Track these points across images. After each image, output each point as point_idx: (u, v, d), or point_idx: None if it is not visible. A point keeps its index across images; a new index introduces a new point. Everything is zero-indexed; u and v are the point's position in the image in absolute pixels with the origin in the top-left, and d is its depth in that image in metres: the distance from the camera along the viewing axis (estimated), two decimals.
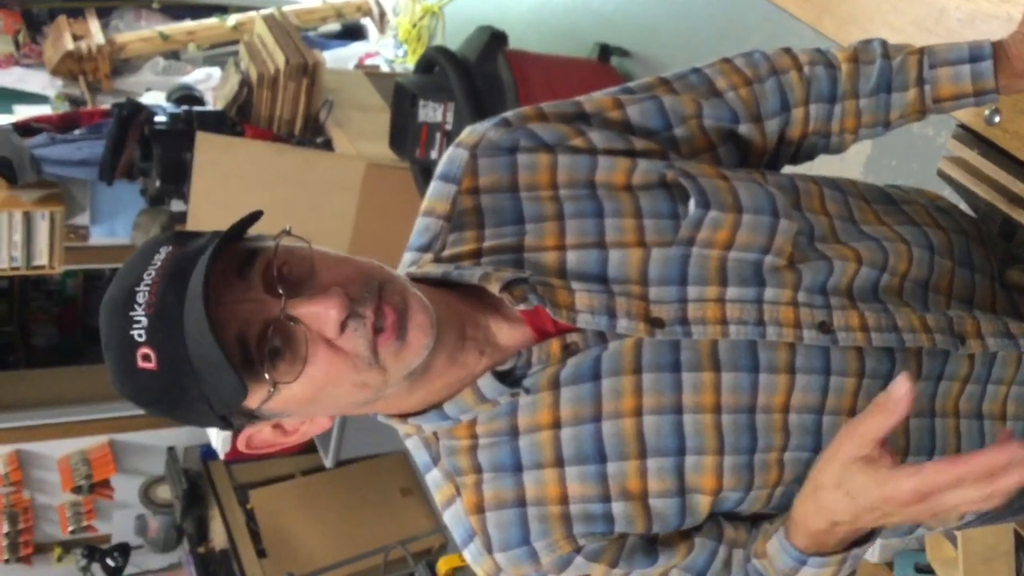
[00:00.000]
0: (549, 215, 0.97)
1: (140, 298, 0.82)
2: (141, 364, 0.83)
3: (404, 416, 0.99)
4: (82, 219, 4.80)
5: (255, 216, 0.89)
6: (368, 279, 0.88)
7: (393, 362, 0.87)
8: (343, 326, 0.85)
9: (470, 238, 0.99)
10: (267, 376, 0.84)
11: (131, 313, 0.82)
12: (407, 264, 1.01)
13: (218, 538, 5.08)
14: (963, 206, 1.32)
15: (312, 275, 0.87)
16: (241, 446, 0.95)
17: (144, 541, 5.61)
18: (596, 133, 1.00)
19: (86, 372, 5.64)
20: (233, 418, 0.89)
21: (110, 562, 5.48)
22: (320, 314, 0.84)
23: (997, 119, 1.24)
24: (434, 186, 1.01)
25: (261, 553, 4.68)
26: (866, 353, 0.96)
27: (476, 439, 0.98)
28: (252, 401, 0.86)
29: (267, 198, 3.86)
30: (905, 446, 0.99)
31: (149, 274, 0.83)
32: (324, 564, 4.08)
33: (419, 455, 1.02)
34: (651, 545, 0.98)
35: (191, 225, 3.87)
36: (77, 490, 5.40)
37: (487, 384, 0.94)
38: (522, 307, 0.92)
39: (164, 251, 0.85)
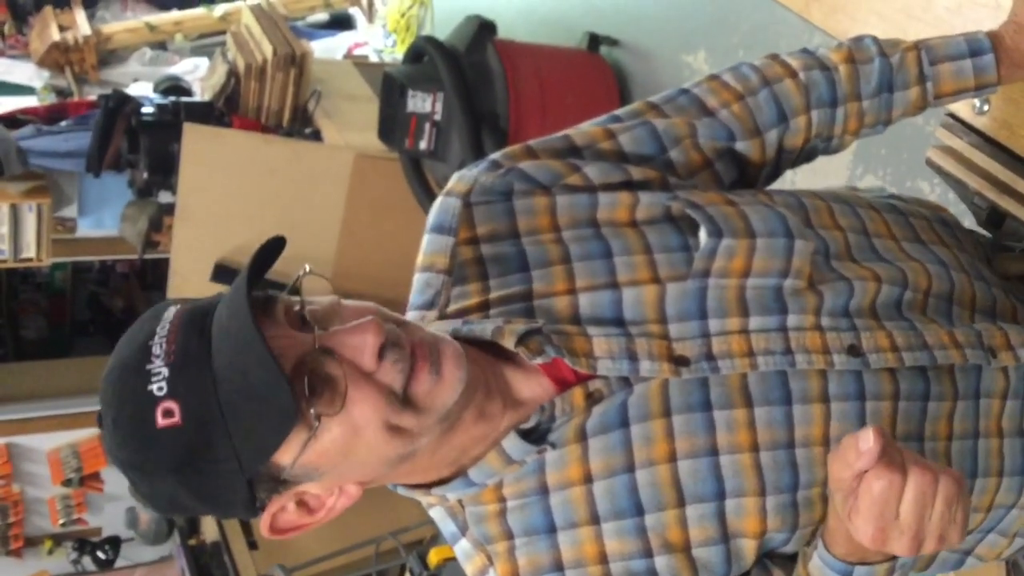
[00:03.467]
0: (555, 259, 0.93)
1: (156, 350, 0.78)
2: (161, 422, 0.77)
3: (427, 486, 0.95)
4: (70, 211, 4.77)
5: (278, 248, 0.84)
6: (388, 318, 0.84)
7: (428, 400, 0.83)
8: (381, 355, 0.81)
9: (474, 291, 0.94)
10: (311, 411, 0.79)
11: (148, 367, 0.77)
12: None
13: (209, 530, 5.07)
14: (952, 197, 1.32)
15: (338, 311, 0.84)
16: (265, 529, 0.88)
17: (135, 534, 5.60)
18: (591, 167, 0.96)
19: (75, 365, 5.62)
20: (259, 486, 0.83)
21: (101, 555, 5.46)
22: (357, 342, 0.80)
23: (986, 108, 1.24)
24: (429, 239, 0.96)
25: (252, 545, 4.66)
26: (899, 375, 0.93)
27: (504, 502, 0.93)
28: (286, 454, 0.80)
29: (255, 189, 3.84)
30: None
31: (163, 327, 0.79)
32: (315, 555, 4.07)
33: (445, 526, 0.97)
34: None
35: (179, 216, 3.85)
36: (67, 483, 5.38)
37: (512, 445, 0.90)
38: (539, 360, 0.88)
39: (172, 309, 0.81)
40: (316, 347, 0.80)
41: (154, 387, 0.77)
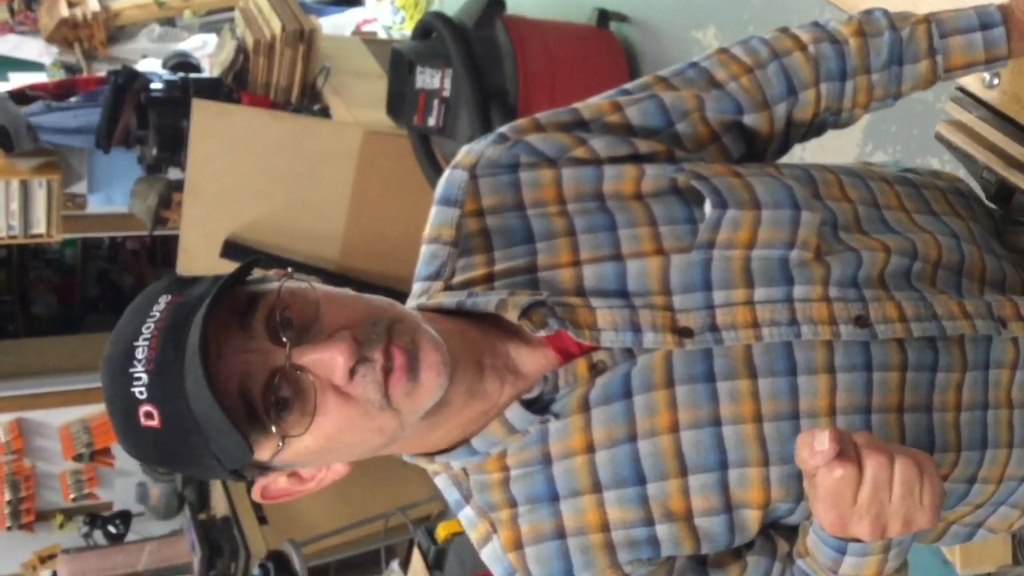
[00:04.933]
0: (560, 231, 0.94)
1: (139, 354, 0.80)
2: (144, 422, 0.80)
3: (431, 454, 0.96)
4: (79, 187, 4.79)
5: (253, 263, 0.86)
6: (376, 318, 0.85)
7: (406, 403, 0.84)
8: (352, 372, 0.82)
9: (480, 262, 0.95)
10: (275, 430, 0.81)
11: (131, 370, 0.80)
12: (417, 295, 0.97)
13: (219, 505, 5.11)
14: (963, 172, 1.32)
15: (317, 318, 0.84)
16: (256, 496, 0.92)
17: (145, 508, 5.64)
18: (598, 140, 0.97)
19: (86, 340, 5.65)
20: (245, 471, 0.86)
21: (112, 529, 5.51)
22: (327, 361, 0.81)
23: (996, 82, 1.23)
24: (436, 211, 0.97)
25: (262, 520, 4.70)
26: (907, 345, 0.93)
27: (508, 471, 0.94)
28: (262, 455, 0.84)
29: (264, 166, 3.84)
30: (957, 442, 0.96)
31: (148, 327, 0.80)
32: (325, 531, 4.10)
33: (449, 493, 0.98)
34: (701, 566, 0.94)
35: (188, 192, 3.86)
36: (78, 458, 5.42)
37: (515, 414, 0.91)
38: (543, 333, 0.89)
39: (163, 300, 0.82)
40: (287, 365, 0.81)
41: (136, 390, 0.80)
